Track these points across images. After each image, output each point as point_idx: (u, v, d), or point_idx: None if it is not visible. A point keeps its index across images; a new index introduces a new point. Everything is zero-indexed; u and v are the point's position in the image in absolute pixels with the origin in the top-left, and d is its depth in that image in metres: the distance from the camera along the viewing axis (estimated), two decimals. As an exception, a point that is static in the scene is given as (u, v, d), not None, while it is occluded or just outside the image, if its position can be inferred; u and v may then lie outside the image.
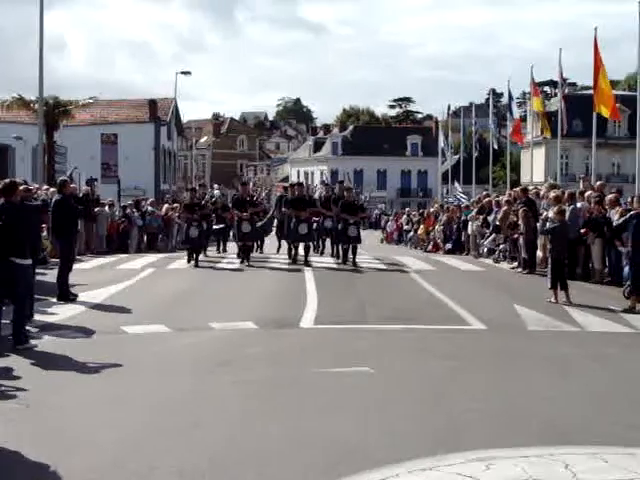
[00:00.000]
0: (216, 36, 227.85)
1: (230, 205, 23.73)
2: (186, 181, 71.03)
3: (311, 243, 22.09)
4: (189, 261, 20.99)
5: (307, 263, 20.54)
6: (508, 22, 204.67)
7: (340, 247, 22.30)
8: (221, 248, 26.44)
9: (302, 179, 68.70)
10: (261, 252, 25.53)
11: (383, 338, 11.34)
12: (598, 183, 22.56)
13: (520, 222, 20.20)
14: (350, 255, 20.93)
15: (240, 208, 21.63)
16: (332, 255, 23.29)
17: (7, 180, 11.51)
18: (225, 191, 28.71)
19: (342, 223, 21.15)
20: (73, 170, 27.89)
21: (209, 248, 24.96)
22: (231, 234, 24.85)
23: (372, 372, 9.15)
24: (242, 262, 20.95)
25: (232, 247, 24.29)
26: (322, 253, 24.28)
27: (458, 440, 6.58)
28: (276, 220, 25.88)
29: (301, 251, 21.15)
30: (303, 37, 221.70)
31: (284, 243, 24.09)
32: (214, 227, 24.64)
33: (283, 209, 22.94)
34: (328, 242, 24.15)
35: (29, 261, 11.03)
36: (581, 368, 9.62)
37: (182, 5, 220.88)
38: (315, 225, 22.43)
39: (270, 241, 26.63)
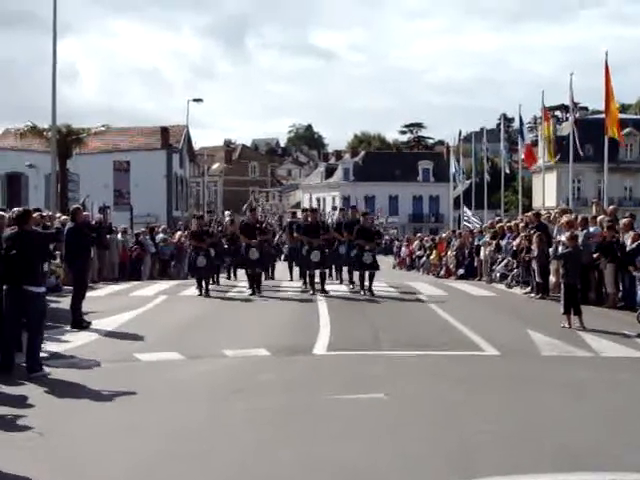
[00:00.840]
0: (227, 63, 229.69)
1: (238, 232, 22.67)
2: (198, 208, 71.21)
3: (326, 270, 21.39)
4: (200, 292, 20.21)
5: (323, 290, 20.06)
6: (518, 47, 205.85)
7: (351, 274, 21.94)
8: (232, 275, 26.25)
9: (314, 205, 68.76)
10: (272, 278, 25.22)
11: (396, 364, 11.31)
12: (610, 207, 22.55)
13: (533, 247, 20.17)
14: (366, 283, 20.20)
15: (248, 235, 20.77)
16: (345, 282, 22.91)
17: (20, 209, 11.59)
18: (237, 218, 28.63)
19: (357, 250, 20.23)
20: (86, 198, 28.01)
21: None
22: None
23: (386, 399, 9.13)
24: (253, 293, 20.10)
25: (243, 274, 23.79)
26: (342, 281, 23.45)
27: (471, 465, 6.56)
28: (287, 247, 25.38)
29: (316, 278, 20.64)
30: (314, 64, 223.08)
31: (296, 271, 23.76)
32: (225, 260, 24.34)
33: (295, 235, 22.11)
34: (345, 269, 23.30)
35: (42, 289, 11.08)
36: (595, 393, 9.57)
37: (193, 33, 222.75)
38: (328, 251, 21.47)
39: (283, 267, 26.51)
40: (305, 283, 21.15)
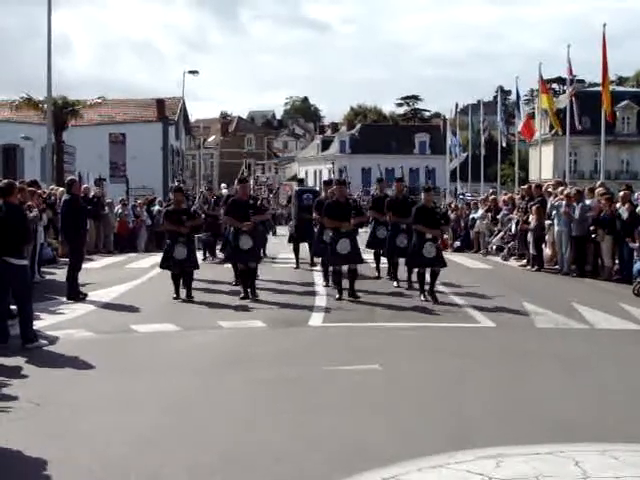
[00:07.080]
0: (220, 35, 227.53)
1: (223, 211, 17.13)
2: (194, 180, 71.03)
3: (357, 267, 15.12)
4: (177, 293, 14.87)
5: (354, 295, 14.59)
6: (514, 19, 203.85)
7: (395, 268, 17.02)
8: (208, 255, 22.22)
9: (310, 178, 68.45)
10: (264, 256, 21.00)
11: (392, 336, 11.33)
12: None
13: (531, 218, 20.18)
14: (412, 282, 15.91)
15: (237, 215, 14.99)
16: (388, 275, 17.41)
17: (5, 181, 11.50)
18: (232, 191, 28.21)
19: (416, 238, 14.89)
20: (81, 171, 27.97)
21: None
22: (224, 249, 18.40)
23: (381, 370, 9.14)
24: (245, 296, 14.62)
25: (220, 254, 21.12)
26: (393, 276, 17.07)
27: (468, 437, 6.57)
28: (293, 222, 20.87)
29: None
30: (307, 36, 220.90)
31: (302, 256, 19.93)
32: (199, 236, 19.94)
33: (314, 216, 17.14)
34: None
35: (24, 261, 11.00)
36: (590, 365, 9.59)
37: (186, 4, 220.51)
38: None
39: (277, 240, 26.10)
40: (327, 279, 16.35)
